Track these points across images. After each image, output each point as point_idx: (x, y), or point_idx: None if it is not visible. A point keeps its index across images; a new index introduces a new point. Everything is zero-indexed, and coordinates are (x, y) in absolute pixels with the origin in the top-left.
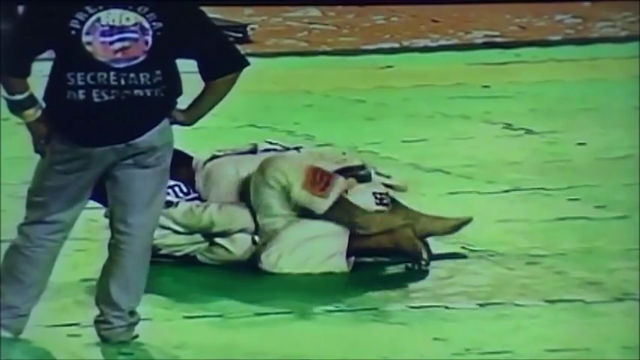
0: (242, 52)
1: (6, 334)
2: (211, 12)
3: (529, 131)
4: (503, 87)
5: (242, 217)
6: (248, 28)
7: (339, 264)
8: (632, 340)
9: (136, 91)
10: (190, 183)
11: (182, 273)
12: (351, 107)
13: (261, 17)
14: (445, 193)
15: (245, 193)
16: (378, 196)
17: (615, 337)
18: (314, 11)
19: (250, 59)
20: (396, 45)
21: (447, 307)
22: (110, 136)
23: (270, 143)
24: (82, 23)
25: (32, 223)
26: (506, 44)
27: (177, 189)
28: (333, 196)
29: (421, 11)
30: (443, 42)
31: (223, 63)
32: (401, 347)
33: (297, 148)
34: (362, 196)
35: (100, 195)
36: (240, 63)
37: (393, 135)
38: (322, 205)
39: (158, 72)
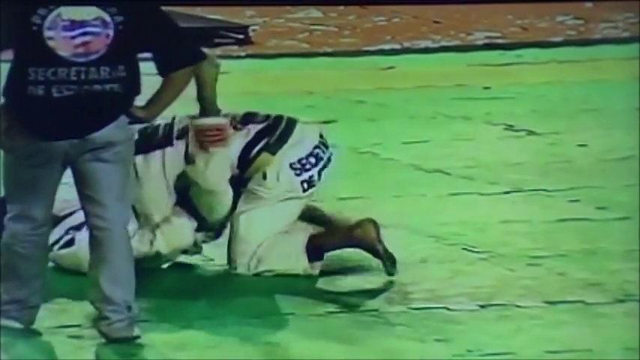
0: (244, 53)
1: (16, 324)
2: (212, 13)
3: (530, 132)
4: (504, 88)
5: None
6: (249, 30)
7: (301, 263)
8: (634, 341)
9: (95, 86)
10: None
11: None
12: (353, 108)
13: (263, 18)
14: (446, 194)
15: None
16: (298, 165)
17: (617, 338)
18: (315, 12)
19: (251, 60)
20: (397, 46)
21: (448, 309)
22: (67, 131)
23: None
24: (44, 18)
25: (14, 220)
26: (507, 45)
27: None
28: None
29: (422, 12)
30: (444, 43)
31: (179, 56)
32: (402, 349)
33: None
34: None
35: None
36: (196, 56)
37: (394, 136)
38: None
39: (121, 67)
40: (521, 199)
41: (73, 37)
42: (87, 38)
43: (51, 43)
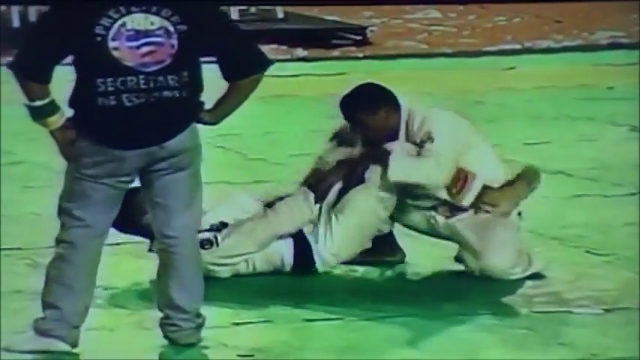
0: (362, 54)
1: (65, 346)
2: (330, 14)
3: None
4: (629, 88)
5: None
6: (367, 30)
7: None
8: None
9: (165, 93)
10: (390, 130)
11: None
12: (472, 109)
13: (381, 19)
14: (569, 195)
15: None
16: None
17: None
18: (434, 12)
19: (369, 61)
20: (518, 46)
21: (571, 312)
22: (143, 139)
23: None
24: (107, 29)
25: (72, 229)
26: (631, 45)
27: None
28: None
29: (544, 11)
30: (567, 43)
31: (247, 64)
32: (525, 352)
33: None
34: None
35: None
36: (263, 64)
37: (515, 137)
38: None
39: (185, 73)
40: None
41: (138, 47)
42: (151, 48)
43: (116, 54)
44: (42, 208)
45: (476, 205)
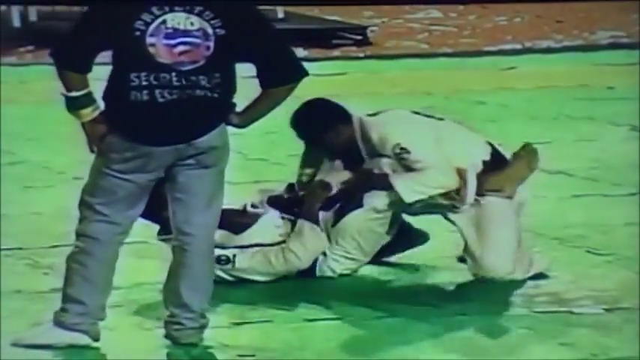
0: (362, 54)
1: (89, 340)
2: (331, 14)
3: None
4: (629, 88)
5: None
6: (368, 30)
7: None
8: None
9: (197, 91)
10: (347, 144)
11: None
12: (473, 109)
13: (382, 19)
14: (569, 195)
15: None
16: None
17: None
18: (435, 12)
19: (370, 61)
20: (519, 46)
21: (572, 312)
22: (173, 136)
23: None
24: (148, 25)
25: (93, 223)
26: (632, 45)
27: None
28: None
29: (545, 11)
30: (567, 43)
31: (282, 73)
32: (526, 352)
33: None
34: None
35: (151, 214)
36: (298, 74)
37: (515, 137)
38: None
39: (217, 75)
40: None
41: (174, 46)
42: (187, 47)
43: (152, 50)
44: (42, 208)
45: (479, 195)
